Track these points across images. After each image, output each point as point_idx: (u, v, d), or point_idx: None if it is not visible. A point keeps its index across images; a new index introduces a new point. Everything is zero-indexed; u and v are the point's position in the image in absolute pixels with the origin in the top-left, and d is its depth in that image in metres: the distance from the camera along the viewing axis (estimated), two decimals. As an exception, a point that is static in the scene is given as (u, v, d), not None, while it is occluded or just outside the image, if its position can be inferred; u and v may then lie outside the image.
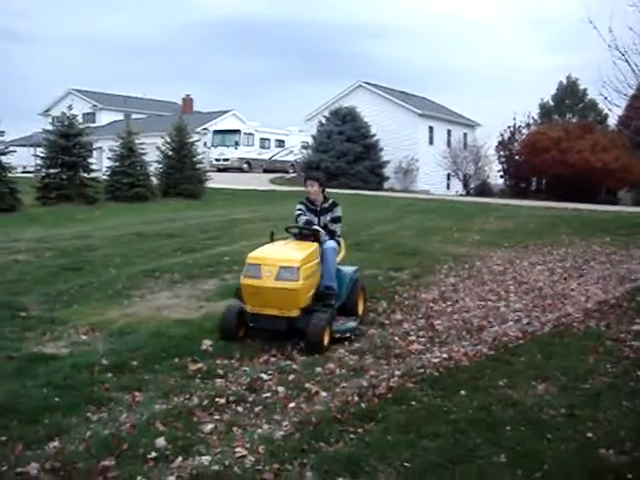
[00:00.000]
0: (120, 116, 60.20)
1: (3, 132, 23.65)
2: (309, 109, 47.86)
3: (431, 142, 45.24)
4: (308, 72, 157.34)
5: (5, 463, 4.49)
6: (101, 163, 35.50)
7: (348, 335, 7.75)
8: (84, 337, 7.52)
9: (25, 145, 49.99)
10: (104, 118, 62.12)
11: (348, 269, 8.55)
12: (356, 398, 5.74)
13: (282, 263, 7.32)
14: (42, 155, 27.31)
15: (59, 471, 4.44)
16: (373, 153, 39.35)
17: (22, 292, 9.62)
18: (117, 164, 28.08)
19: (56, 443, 4.82)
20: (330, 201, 8.55)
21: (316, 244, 7.91)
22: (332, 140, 38.69)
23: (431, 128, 45.49)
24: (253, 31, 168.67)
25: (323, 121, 40.85)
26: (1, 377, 6.17)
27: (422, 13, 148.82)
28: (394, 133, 40.56)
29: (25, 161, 46.17)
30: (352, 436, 5.01)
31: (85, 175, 26.40)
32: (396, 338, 7.76)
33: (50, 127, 29.33)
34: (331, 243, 8.09)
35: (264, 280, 7.26)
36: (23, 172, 36.98)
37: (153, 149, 30.59)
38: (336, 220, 8.41)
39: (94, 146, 27.76)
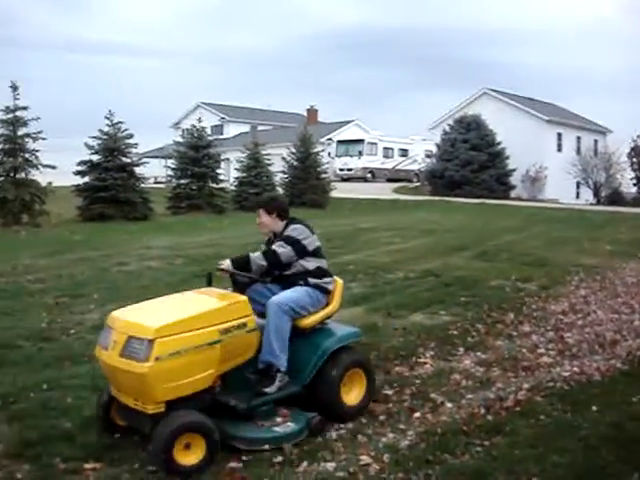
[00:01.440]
0: (246, 128, 61.67)
1: (137, 144, 24.70)
2: (432, 117, 47.63)
3: (559, 149, 43.97)
4: (430, 80, 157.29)
5: (138, 462, 4.67)
6: (229, 174, 36.43)
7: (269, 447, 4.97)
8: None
9: (157, 157, 52.03)
10: (231, 130, 63.86)
11: (331, 332, 5.71)
12: (482, 410, 5.63)
13: (132, 331, 4.82)
14: (173, 166, 28.40)
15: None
16: (499, 161, 38.63)
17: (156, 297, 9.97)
18: (244, 175, 28.87)
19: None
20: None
21: (235, 299, 5.21)
22: (456, 148, 38.29)
23: (559, 135, 44.22)
24: (373, 40, 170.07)
25: (447, 129, 40.48)
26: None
27: (551, 17, 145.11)
28: (520, 140, 39.54)
29: (156, 172, 48.06)
30: (478, 449, 4.90)
31: (214, 185, 27.28)
32: (524, 350, 7.55)
33: (180, 139, 30.45)
34: (277, 298, 5.40)
35: (109, 353, 4.88)
36: (155, 183, 38.56)
37: (278, 160, 31.24)
38: (285, 240, 5.59)
39: (222, 157, 28.58)
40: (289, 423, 5.16)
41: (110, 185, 22.83)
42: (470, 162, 37.65)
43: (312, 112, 67.03)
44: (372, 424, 5.41)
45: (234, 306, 5.11)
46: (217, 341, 4.90)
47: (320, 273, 5.65)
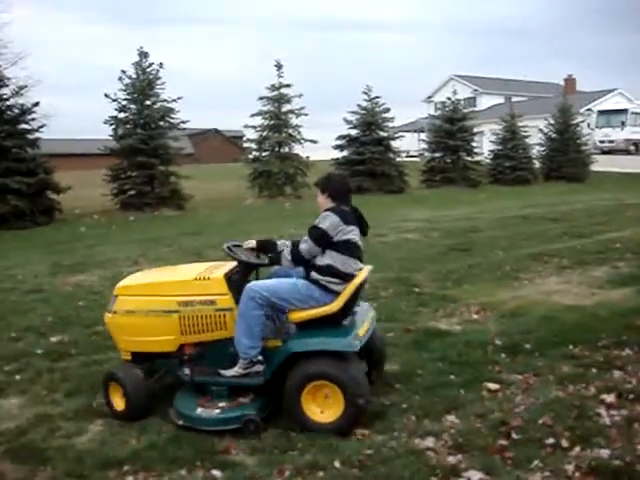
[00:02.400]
0: (500, 99, 60.24)
1: (393, 118, 25.04)
2: None
3: None
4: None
5: (404, 432, 4.73)
6: (482, 147, 35.82)
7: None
8: (475, 316, 7.65)
9: (409, 131, 52.41)
10: (484, 102, 62.59)
11: (314, 333, 5.00)
12: None
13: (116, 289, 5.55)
14: (427, 140, 28.45)
15: (454, 445, 4.55)
16: None
17: (415, 269, 10.13)
18: (499, 147, 28.24)
19: (452, 417, 4.96)
20: None
21: (208, 276, 5.23)
22: None
23: None
24: (628, 4, 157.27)
25: None
26: (399, 347, 6.55)
27: None
28: None
29: (409, 146, 48.42)
30: None
31: (468, 159, 26.97)
32: None
33: (433, 113, 30.40)
34: (252, 284, 5.10)
35: None
36: (407, 156, 38.85)
37: (534, 132, 30.17)
38: (310, 231, 5.10)
39: (475, 130, 28.13)
40: (225, 411, 5.00)
41: (367, 159, 23.41)
42: None
43: (570, 81, 63.87)
44: (651, 413, 5.05)
45: (202, 283, 5.17)
46: (174, 311, 5.15)
47: (329, 271, 5.03)
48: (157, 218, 18.93)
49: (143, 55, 20.79)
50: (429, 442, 4.57)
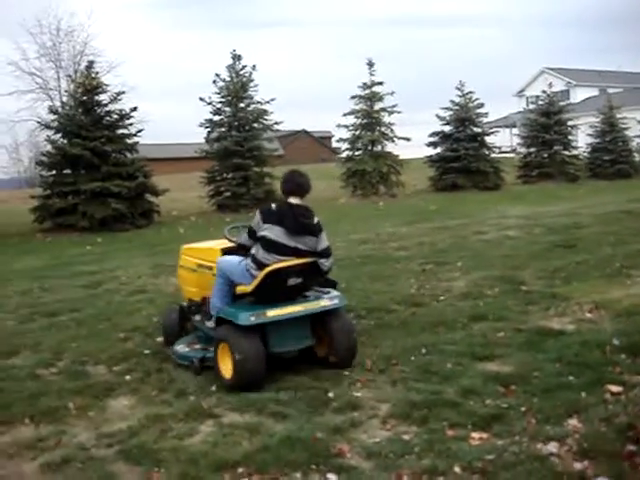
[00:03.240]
0: (594, 92, 58.50)
1: (487, 113, 24.62)
2: None
3: None
4: None
5: (525, 436, 4.54)
6: (577, 140, 34.87)
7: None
8: (588, 315, 7.33)
9: (500, 126, 51.48)
10: (578, 95, 60.89)
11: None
12: None
13: None
14: (522, 134, 27.86)
15: (579, 450, 4.33)
16: None
17: (519, 267, 9.84)
18: (597, 141, 27.43)
19: (574, 421, 4.74)
20: None
21: (214, 249, 6.73)
22: None
23: None
24: None
25: None
26: (512, 348, 6.33)
27: None
28: None
29: (500, 142, 47.57)
30: None
31: (565, 153, 26.27)
32: None
33: (525, 107, 29.76)
34: (218, 259, 6.32)
35: None
36: (499, 152, 38.19)
37: (633, 124, 29.16)
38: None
39: (570, 123, 27.35)
40: (188, 351, 6.45)
41: (462, 155, 23.08)
42: None
43: (672, 70, 61.58)
44: None
45: (209, 252, 6.76)
46: (195, 270, 6.84)
47: (252, 259, 5.98)
48: (253, 218, 19.07)
49: (236, 58, 21.04)
50: (552, 447, 4.36)
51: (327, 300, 6.07)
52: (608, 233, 12.41)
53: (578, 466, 4.14)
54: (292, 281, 5.90)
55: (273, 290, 5.91)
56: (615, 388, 5.28)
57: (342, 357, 6.05)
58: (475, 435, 4.60)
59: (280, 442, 4.66)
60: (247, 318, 5.70)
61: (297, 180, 6.08)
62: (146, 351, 6.96)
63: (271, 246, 5.86)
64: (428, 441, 4.53)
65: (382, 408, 5.12)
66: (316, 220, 6.02)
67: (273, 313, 5.78)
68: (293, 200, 5.98)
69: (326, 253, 6.04)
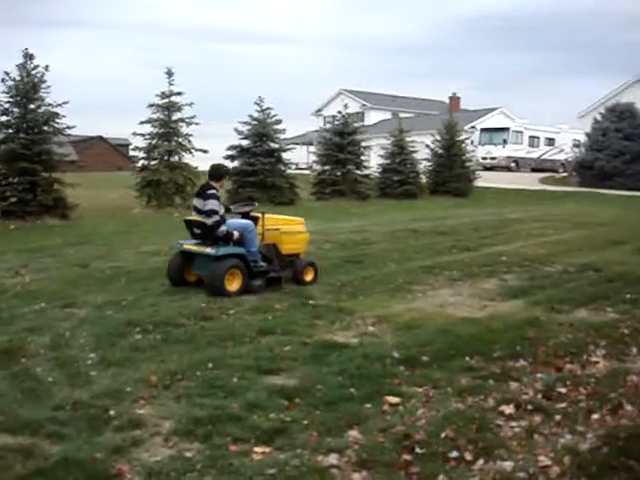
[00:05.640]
0: (388, 115, 61.43)
1: (285, 130, 25.03)
2: (582, 106, 45.64)
3: None
4: (579, 67, 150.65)
5: (307, 448, 4.58)
6: (370, 161, 36.38)
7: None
8: (371, 328, 7.61)
9: (298, 143, 52.62)
10: (372, 117, 63.67)
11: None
12: (668, 416, 5.20)
13: None
14: (317, 153, 28.59)
15: (358, 461, 4.44)
16: (655, 152, 36.50)
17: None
18: (388, 162, 28.70)
19: (354, 432, 4.86)
20: None
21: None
22: (608, 138, 36.43)
23: None
24: (515, 25, 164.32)
25: (598, 118, 38.62)
26: (297, 361, 6.42)
27: None
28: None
29: (298, 159, 48.60)
30: (669, 458, 4.51)
31: (358, 172, 27.23)
32: None
33: (324, 126, 30.61)
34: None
35: None
36: (296, 169, 38.98)
37: (422, 147, 30.85)
38: None
39: (364, 144, 28.49)
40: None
41: (258, 170, 23.27)
42: (622, 152, 35.73)
43: (454, 99, 65.98)
44: (548, 423, 5.10)
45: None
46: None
47: None
48: (40, 227, 18.12)
49: (28, 57, 19.86)
50: (333, 459, 4.44)
51: None
52: (394, 250, 13.00)
53: (356, 477, 4.25)
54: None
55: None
56: (393, 399, 5.49)
57: None
58: (258, 450, 4.59)
59: (56, 465, 4.38)
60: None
61: (211, 169, 10.00)
62: None
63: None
64: (210, 457, 4.46)
65: (165, 425, 4.98)
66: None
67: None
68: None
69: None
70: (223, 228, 9.25)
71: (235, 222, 9.61)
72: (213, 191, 9.42)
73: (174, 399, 5.47)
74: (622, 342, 7.29)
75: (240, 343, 6.93)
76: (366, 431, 4.88)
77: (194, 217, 9.53)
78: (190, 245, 9.45)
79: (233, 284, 9.04)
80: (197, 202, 9.53)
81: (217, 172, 9.84)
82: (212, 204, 9.23)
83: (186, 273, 9.65)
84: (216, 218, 9.19)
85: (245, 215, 9.87)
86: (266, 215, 9.97)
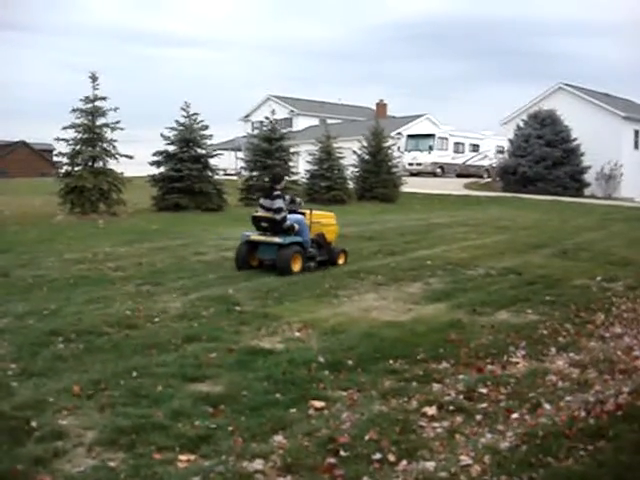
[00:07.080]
0: (316, 121, 61.65)
1: (212, 136, 24.83)
2: (505, 112, 46.68)
3: (636, 146, 42.64)
4: (502, 74, 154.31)
5: (232, 455, 4.59)
6: (298, 167, 36.45)
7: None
8: (297, 334, 7.66)
9: (226, 149, 52.33)
10: (300, 123, 63.81)
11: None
12: (583, 413, 5.37)
13: None
14: (246, 158, 28.48)
15: (283, 466, 4.47)
16: (573, 158, 37.60)
17: (235, 287, 10.00)
18: (316, 168, 28.80)
19: (280, 437, 4.89)
20: None
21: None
22: (530, 144, 37.45)
23: (637, 132, 42.83)
24: (443, 32, 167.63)
25: (521, 124, 39.62)
26: (223, 368, 6.41)
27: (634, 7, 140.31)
28: (596, 137, 38.20)
29: (226, 164, 48.34)
30: (582, 453, 4.67)
31: (286, 178, 27.22)
32: (619, 352, 7.25)
33: (251, 132, 30.49)
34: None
35: None
36: (225, 174, 38.77)
37: (349, 153, 31.06)
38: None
39: (292, 150, 28.52)
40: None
41: (185, 176, 23.05)
42: (544, 158, 36.76)
43: (381, 106, 66.56)
44: (469, 423, 5.23)
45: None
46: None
47: None
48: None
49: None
50: (258, 464, 4.46)
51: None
52: (320, 255, 13.06)
53: (281, 481, 4.28)
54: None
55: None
56: (318, 403, 5.55)
57: None
58: (183, 457, 4.58)
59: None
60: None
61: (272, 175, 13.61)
62: None
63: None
64: (134, 467, 4.43)
65: (88, 435, 4.93)
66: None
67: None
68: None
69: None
70: (288, 222, 11.32)
71: (291, 217, 11.53)
72: (278, 192, 11.45)
73: (97, 409, 5.40)
74: (541, 343, 7.55)
75: (165, 351, 6.89)
76: (291, 436, 4.92)
77: (261, 214, 11.57)
78: (256, 236, 11.46)
79: (296, 265, 11.23)
80: (264, 202, 11.59)
81: (276, 178, 12.18)
82: (279, 203, 11.29)
83: (250, 259, 11.61)
84: (284, 214, 11.31)
85: (293, 211, 11.79)
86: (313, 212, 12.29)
